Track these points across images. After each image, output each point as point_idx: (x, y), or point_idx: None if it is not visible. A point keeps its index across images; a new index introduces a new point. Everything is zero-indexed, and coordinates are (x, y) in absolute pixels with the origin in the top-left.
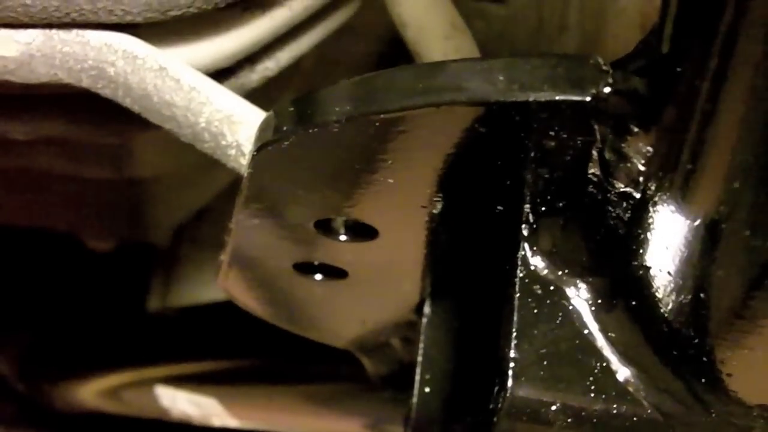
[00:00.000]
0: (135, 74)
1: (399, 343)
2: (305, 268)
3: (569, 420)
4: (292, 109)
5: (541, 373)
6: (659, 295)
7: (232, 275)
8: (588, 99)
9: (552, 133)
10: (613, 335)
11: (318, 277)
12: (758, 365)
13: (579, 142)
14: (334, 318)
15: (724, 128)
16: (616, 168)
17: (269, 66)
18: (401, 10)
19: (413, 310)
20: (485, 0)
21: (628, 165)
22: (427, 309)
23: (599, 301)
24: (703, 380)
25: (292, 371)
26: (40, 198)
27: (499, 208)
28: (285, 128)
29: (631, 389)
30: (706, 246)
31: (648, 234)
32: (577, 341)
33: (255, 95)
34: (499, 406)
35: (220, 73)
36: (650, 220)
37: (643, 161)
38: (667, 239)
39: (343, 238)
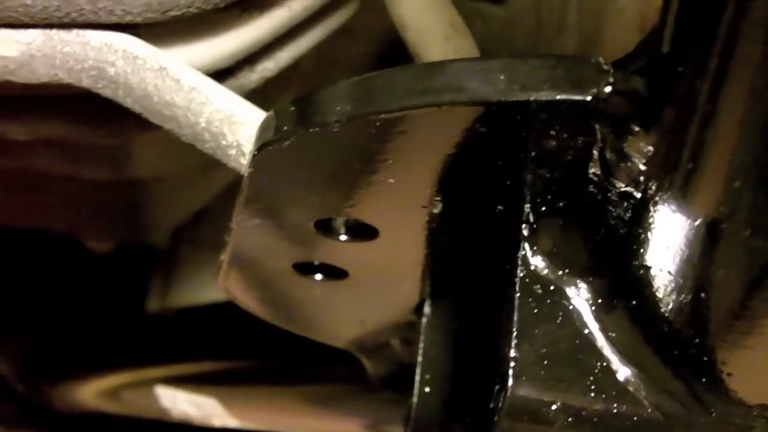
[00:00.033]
0: (135, 74)
1: (399, 343)
2: (305, 268)
3: (569, 420)
4: (292, 109)
5: (542, 372)
6: (660, 294)
7: (232, 275)
8: (588, 99)
9: (552, 133)
10: (614, 335)
11: (318, 277)
12: (758, 365)
13: (579, 142)
14: (333, 318)
15: (725, 128)
16: (617, 168)
17: (268, 66)
18: (401, 11)
19: (413, 310)
20: (484, 1)
21: (629, 165)
22: (426, 309)
23: (599, 300)
24: (703, 380)
25: (291, 372)
26: (39, 199)
27: (500, 208)
28: (285, 128)
29: (631, 389)
30: (707, 246)
31: (648, 234)
32: (578, 341)
33: (254, 96)
34: (500, 405)
35: (220, 74)
36: (651, 220)
37: (643, 161)
38: (668, 239)
39: (343, 238)
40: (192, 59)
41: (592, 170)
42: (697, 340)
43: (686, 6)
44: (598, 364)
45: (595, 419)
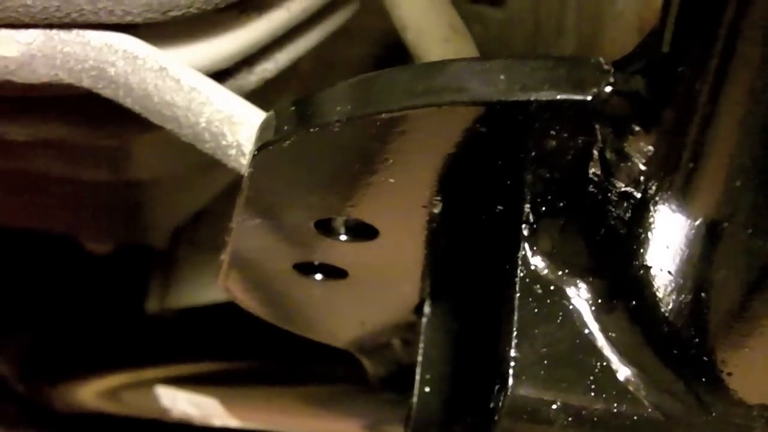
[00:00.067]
0: (135, 74)
1: (399, 343)
2: (305, 269)
3: (569, 419)
4: (292, 109)
5: (542, 372)
6: (660, 295)
7: (232, 275)
8: (589, 99)
9: (553, 133)
10: (614, 335)
11: (318, 277)
12: (759, 365)
13: (580, 142)
14: (333, 318)
15: (725, 129)
16: (617, 168)
17: (267, 68)
18: (401, 12)
19: (413, 310)
20: (483, 3)
21: (629, 165)
22: (426, 309)
23: (599, 301)
24: (703, 380)
25: (291, 372)
26: (38, 199)
27: (500, 208)
28: (286, 128)
29: (631, 389)
30: (707, 246)
31: (648, 234)
32: (578, 341)
33: (253, 97)
34: (500, 405)
35: (219, 75)
36: (651, 220)
37: (643, 161)
38: (668, 239)
39: (343, 238)
40: (191, 60)
41: (592, 170)
42: (697, 341)
43: (686, 7)
44: (598, 364)
45: (595, 419)
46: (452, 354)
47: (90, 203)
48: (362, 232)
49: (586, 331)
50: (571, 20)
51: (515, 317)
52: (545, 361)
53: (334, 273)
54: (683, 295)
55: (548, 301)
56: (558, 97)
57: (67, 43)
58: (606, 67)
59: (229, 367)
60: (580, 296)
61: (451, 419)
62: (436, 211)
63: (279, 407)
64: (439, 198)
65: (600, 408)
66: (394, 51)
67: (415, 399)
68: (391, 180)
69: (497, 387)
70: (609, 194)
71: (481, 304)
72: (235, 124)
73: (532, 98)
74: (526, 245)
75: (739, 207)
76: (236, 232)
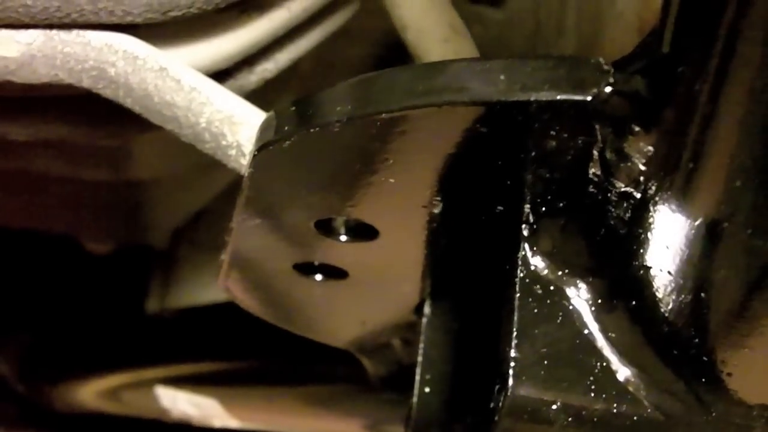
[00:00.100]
0: (136, 75)
1: (399, 343)
2: (305, 269)
3: (570, 419)
4: (293, 109)
5: (542, 372)
6: (660, 295)
7: (232, 275)
8: (589, 99)
9: (553, 133)
10: (614, 335)
11: (318, 277)
12: (759, 365)
13: (580, 142)
14: (334, 318)
15: (725, 129)
16: (617, 168)
17: (268, 68)
18: (401, 12)
19: (413, 310)
20: (482, 4)
21: (629, 165)
22: (427, 309)
23: (599, 301)
24: (703, 380)
25: (291, 372)
26: (38, 199)
27: (500, 208)
28: (286, 128)
29: (631, 389)
30: (707, 246)
31: (648, 234)
32: (578, 341)
33: (253, 97)
34: (500, 405)
35: (219, 75)
36: (651, 220)
37: (643, 161)
38: (668, 239)
39: (343, 238)
40: (192, 60)
41: (592, 170)
42: (697, 341)
43: (686, 7)
44: (598, 364)
45: (596, 419)
46: (452, 354)
47: (90, 203)
48: (362, 232)
49: (586, 331)
50: (571, 20)
51: (515, 317)
52: (545, 362)
53: (334, 273)
54: (683, 295)
55: (548, 301)
56: (558, 97)
57: (68, 44)
58: (606, 67)
59: (229, 367)
60: (580, 296)
61: (452, 419)
62: (436, 211)
63: (279, 407)
64: (439, 198)
65: (600, 408)
66: (394, 51)
67: (415, 399)
68: (392, 180)
69: (497, 387)
70: (609, 194)
71: (481, 304)
72: (235, 125)
73: (532, 98)
74: (526, 245)
75: (739, 207)
76: (236, 232)
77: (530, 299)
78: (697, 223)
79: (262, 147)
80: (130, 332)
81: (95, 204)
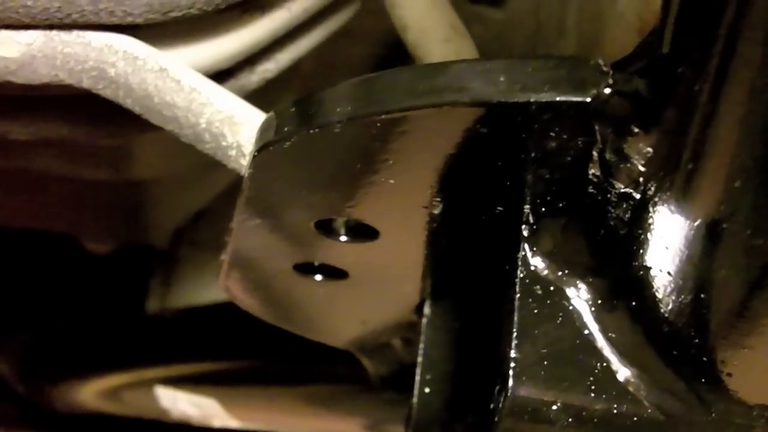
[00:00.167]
0: (136, 75)
1: (399, 343)
2: (306, 269)
3: (570, 420)
4: (293, 109)
5: (542, 373)
6: (659, 295)
7: (232, 275)
8: (588, 100)
9: (553, 133)
10: (614, 335)
11: (318, 277)
12: (759, 365)
13: (579, 142)
14: (334, 318)
15: (725, 129)
16: (617, 168)
17: (269, 68)
18: (402, 12)
19: (413, 310)
20: (483, 4)
21: (629, 165)
22: (427, 309)
23: (599, 301)
24: (703, 380)
25: (292, 372)
26: (39, 199)
27: (500, 208)
28: (286, 129)
29: (631, 389)
30: (707, 246)
31: (648, 234)
32: (578, 341)
33: (254, 97)
34: (500, 405)
35: (220, 75)
36: (650, 221)
37: (643, 162)
38: (668, 240)
39: (343, 238)
40: (193, 60)
41: (591, 171)
42: (697, 341)
43: (686, 7)
44: (599, 364)
45: (596, 419)
46: (453, 354)
47: (91, 203)
48: (362, 232)
49: (586, 331)
50: (572, 20)
51: (515, 318)
52: (545, 362)
53: (335, 273)
54: (683, 296)
55: (548, 301)
56: (558, 98)
57: (68, 44)
58: (605, 68)
59: (229, 367)
60: (580, 296)
61: (452, 419)
62: (436, 211)
63: (279, 407)
64: (439, 198)
65: (600, 408)
66: (395, 51)
67: (415, 399)
68: (392, 180)
69: (498, 387)
70: (609, 195)
71: (481, 304)
72: (235, 125)
73: (532, 99)
74: (526, 246)
75: (739, 207)
76: (236, 233)
77: (530, 299)
78: (696, 223)
79: (263, 147)
80: (131, 332)
81: (96, 204)
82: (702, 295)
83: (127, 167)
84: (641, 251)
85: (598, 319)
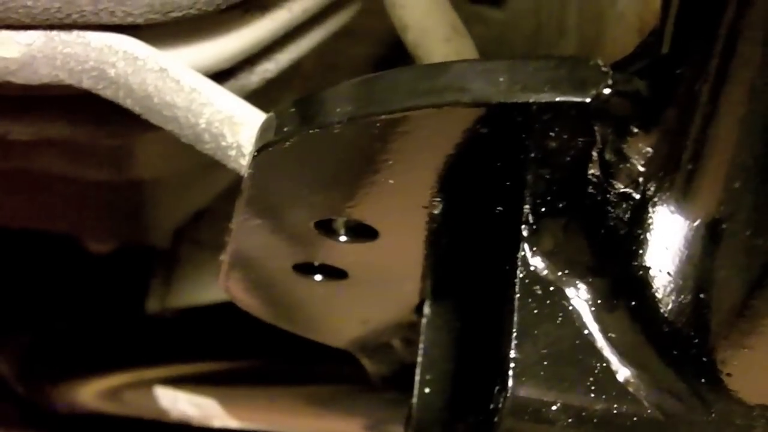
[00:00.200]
0: (136, 75)
1: (400, 343)
2: (305, 269)
3: (570, 420)
4: (293, 109)
5: (542, 373)
6: (659, 295)
7: (232, 276)
8: (589, 100)
9: (553, 134)
10: (614, 335)
11: (318, 277)
12: (759, 365)
13: (579, 143)
14: (334, 318)
15: (725, 128)
16: (617, 169)
17: (269, 68)
18: (402, 12)
19: (414, 310)
20: (483, 4)
21: (629, 166)
22: (427, 309)
23: (599, 301)
24: (703, 380)
25: (292, 372)
26: (39, 199)
27: (500, 208)
28: (286, 129)
29: (631, 389)
30: (707, 246)
31: (648, 234)
32: (578, 341)
33: (254, 97)
34: (501, 405)
35: (220, 75)
36: (650, 221)
37: (643, 162)
38: (667, 240)
39: (343, 238)
40: (193, 60)
41: (591, 171)
42: (697, 341)
43: (686, 7)
44: (599, 364)
45: (596, 419)
46: (453, 354)
47: (92, 202)
48: (362, 232)
49: (586, 331)
50: (572, 21)
51: (515, 318)
52: (545, 362)
53: (335, 273)
54: (683, 296)
55: (548, 301)
56: (558, 98)
57: (68, 44)
58: (605, 68)
59: (229, 367)
60: (580, 297)
61: (453, 419)
62: (436, 211)
63: (279, 407)
64: (439, 198)
65: (601, 408)
66: (396, 51)
67: (415, 399)
68: (392, 181)
69: (498, 387)
70: (608, 195)
71: (481, 304)
72: (235, 125)
73: (533, 99)
74: (526, 246)
75: (739, 206)
76: (237, 233)
77: (530, 299)
78: (696, 223)
79: (263, 147)
80: (131, 332)
81: (97, 203)
82: (702, 295)
83: (127, 167)
84: (641, 251)
85: (598, 319)
